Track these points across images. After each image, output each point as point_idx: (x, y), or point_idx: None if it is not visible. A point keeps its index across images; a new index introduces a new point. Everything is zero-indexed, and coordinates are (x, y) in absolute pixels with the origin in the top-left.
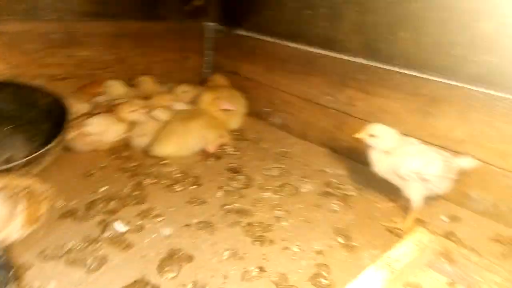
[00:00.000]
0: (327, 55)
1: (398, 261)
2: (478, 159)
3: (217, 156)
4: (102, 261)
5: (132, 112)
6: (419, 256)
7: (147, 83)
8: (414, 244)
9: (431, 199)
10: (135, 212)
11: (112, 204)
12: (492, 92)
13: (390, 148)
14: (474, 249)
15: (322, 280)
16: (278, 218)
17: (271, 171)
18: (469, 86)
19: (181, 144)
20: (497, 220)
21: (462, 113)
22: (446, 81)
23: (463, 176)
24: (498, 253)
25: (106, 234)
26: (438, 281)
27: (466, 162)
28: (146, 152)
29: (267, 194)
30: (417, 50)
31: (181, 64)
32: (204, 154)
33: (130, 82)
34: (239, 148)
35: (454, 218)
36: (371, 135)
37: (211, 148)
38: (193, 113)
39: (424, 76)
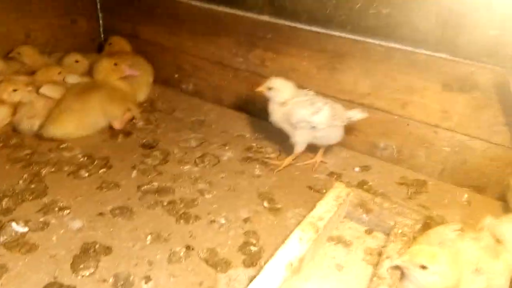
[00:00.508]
0: (233, 13)
1: (322, 219)
2: (381, 110)
3: (126, 132)
4: (1, 270)
5: (14, 91)
6: (339, 210)
7: (28, 54)
8: (334, 200)
9: (342, 153)
10: (36, 208)
11: (6, 203)
12: (390, 44)
13: (285, 100)
14: (384, 193)
15: (252, 247)
16: (201, 192)
17: (189, 142)
18: (369, 40)
19: (81, 122)
20: (402, 165)
21: (365, 66)
22: (348, 35)
23: (365, 127)
24: (404, 194)
25: (1, 238)
26: (358, 231)
27: (354, 114)
28: (39, 136)
29: (187, 168)
30: (320, 6)
31: (69, 29)
32: (111, 132)
33: (6, 55)
34: (151, 120)
35: (365, 168)
36: (270, 88)
37: (118, 124)
38: (90, 86)
39: (328, 31)
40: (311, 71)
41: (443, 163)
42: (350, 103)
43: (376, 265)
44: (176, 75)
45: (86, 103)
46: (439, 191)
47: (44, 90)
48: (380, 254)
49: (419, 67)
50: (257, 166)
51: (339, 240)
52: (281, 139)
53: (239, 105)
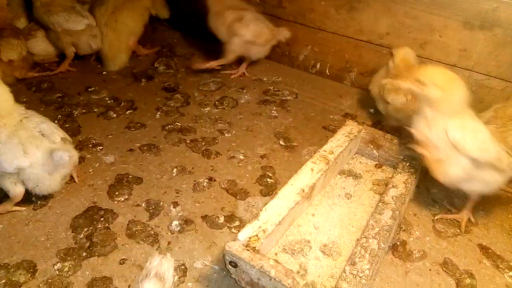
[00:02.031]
0: None
1: (333, 153)
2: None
3: (148, 77)
4: (47, 196)
5: None
6: (350, 146)
7: None
8: (346, 135)
9: (358, 95)
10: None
11: None
12: None
13: None
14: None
15: (268, 179)
16: (221, 131)
17: (208, 85)
18: None
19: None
20: None
21: (385, 5)
22: None
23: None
24: None
25: None
26: (368, 165)
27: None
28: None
29: (207, 109)
30: None
31: None
32: (134, 76)
33: None
34: (171, 65)
35: (379, 110)
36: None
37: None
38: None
39: None
40: (329, 11)
41: None
42: (368, 44)
43: (382, 193)
44: (193, 19)
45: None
46: None
47: None
48: (387, 184)
49: (441, 4)
50: (274, 108)
51: (349, 173)
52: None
53: None
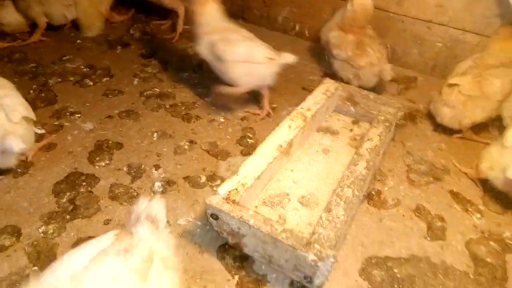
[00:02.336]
0: None
1: (310, 110)
2: (376, 7)
3: (124, 44)
4: (28, 164)
5: None
6: (327, 103)
7: None
8: (323, 93)
9: None
10: (49, 113)
11: None
12: None
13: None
14: (374, 90)
15: (248, 140)
16: (200, 95)
17: (186, 51)
18: None
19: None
20: (395, 63)
21: None
22: None
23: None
24: (395, 91)
25: None
26: (345, 122)
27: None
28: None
29: (185, 74)
30: None
31: None
32: (109, 44)
33: None
34: (147, 31)
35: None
36: None
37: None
38: None
39: None
40: None
41: (434, 59)
42: (345, 3)
43: (358, 147)
44: None
45: None
46: (428, 85)
47: None
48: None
49: None
50: None
51: (327, 130)
52: (292, 49)
53: (234, 12)
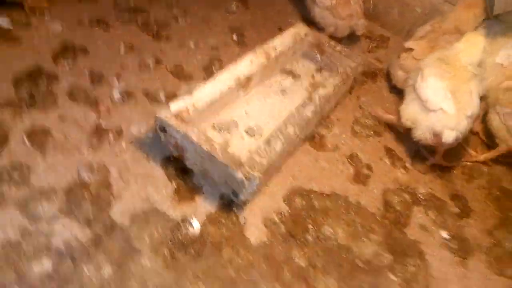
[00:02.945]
0: None
1: (275, 49)
2: None
3: None
4: None
5: None
6: (295, 47)
7: None
8: (292, 36)
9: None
10: (18, 11)
11: None
12: None
13: None
14: (346, 42)
15: (214, 69)
16: (175, 17)
17: None
18: None
19: None
20: (374, 21)
21: None
22: None
23: None
24: (365, 47)
25: None
26: (309, 68)
27: None
28: None
29: None
30: None
31: None
32: None
33: None
34: None
35: None
36: None
37: None
38: None
39: None
40: None
41: (411, 24)
42: None
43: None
44: None
45: None
46: (399, 47)
47: None
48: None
49: None
50: (234, 3)
51: (290, 73)
52: None
53: None
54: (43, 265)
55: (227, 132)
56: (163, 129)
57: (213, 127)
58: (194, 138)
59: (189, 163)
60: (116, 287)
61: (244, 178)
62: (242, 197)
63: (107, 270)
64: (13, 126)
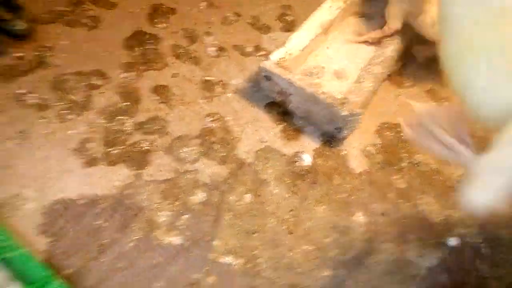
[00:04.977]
0: None
1: None
2: None
3: None
4: (96, 18)
5: None
6: None
7: None
8: None
9: None
10: None
11: None
12: None
13: None
14: None
15: (288, 17)
16: None
17: None
18: None
19: None
20: None
21: None
22: None
23: None
24: None
25: None
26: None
27: None
28: None
29: None
30: None
31: None
32: None
33: None
34: None
35: None
36: None
37: None
38: None
39: None
40: None
41: None
42: None
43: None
44: None
45: None
46: None
47: None
48: None
49: None
50: None
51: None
52: None
53: None
54: (198, 196)
55: (317, 77)
56: (268, 78)
57: (304, 73)
58: (299, 83)
59: (291, 106)
60: (257, 210)
61: (348, 114)
62: (345, 132)
63: (247, 197)
64: (140, 87)
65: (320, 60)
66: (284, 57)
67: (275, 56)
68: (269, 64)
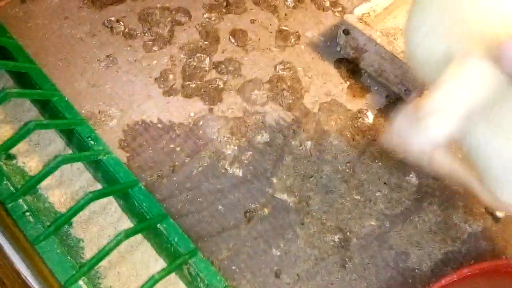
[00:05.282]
0: None
1: None
2: None
3: None
4: None
5: None
6: None
7: None
8: None
9: None
10: None
11: None
12: None
13: None
14: None
15: None
16: None
17: None
18: None
19: None
20: None
21: None
22: None
23: None
24: None
25: None
26: None
27: None
28: None
29: None
30: None
31: None
32: None
33: None
34: None
35: None
36: None
37: None
38: None
39: None
40: None
41: None
42: None
43: None
44: None
45: None
46: None
47: None
48: None
49: None
50: None
51: None
52: None
53: None
54: (263, 136)
55: (393, 38)
56: (347, 32)
57: (382, 32)
58: (379, 40)
59: (363, 64)
60: (316, 156)
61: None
62: (413, 95)
63: (308, 144)
64: (220, 28)
65: (398, 22)
66: (367, 13)
67: (358, 10)
68: (352, 18)
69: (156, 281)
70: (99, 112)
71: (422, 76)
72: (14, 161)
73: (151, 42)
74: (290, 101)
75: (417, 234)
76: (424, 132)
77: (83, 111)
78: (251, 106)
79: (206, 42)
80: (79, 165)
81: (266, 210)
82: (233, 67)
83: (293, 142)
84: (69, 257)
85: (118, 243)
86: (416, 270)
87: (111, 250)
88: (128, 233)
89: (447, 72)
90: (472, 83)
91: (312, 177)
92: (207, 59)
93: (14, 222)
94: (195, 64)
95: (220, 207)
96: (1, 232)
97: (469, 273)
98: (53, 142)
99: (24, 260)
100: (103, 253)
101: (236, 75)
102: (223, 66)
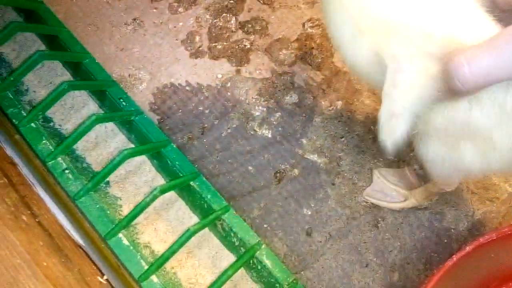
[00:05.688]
0: None
1: None
2: None
3: None
4: None
5: None
6: None
7: None
8: None
9: None
10: None
11: None
12: None
13: None
14: None
15: None
16: None
17: None
18: None
19: None
20: None
21: None
22: None
23: None
24: None
25: None
26: None
27: None
28: None
29: None
30: None
31: None
32: None
33: None
34: None
35: None
36: None
37: None
38: None
39: None
40: None
41: None
42: None
43: None
44: None
45: None
46: None
47: None
48: None
49: None
50: None
51: None
52: None
53: None
54: (292, 97)
55: None
56: None
57: None
58: None
59: None
60: (347, 116)
61: None
62: None
63: (339, 104)
64: None
65: None
66: None
67: None
68: None
69: (192, 234)
70: (129, 75)
71: (367, 81)
72: (51, 124)
73: (176, 4)
74: (319, 60)
75: (452, 194)
76: (385, 138)
77: (113, 75)
78: (279, 67)
79: (231, 1)
80: (112, 126)
81: (296, 171)
82: (260, 26)
83: (322, 102)
84: (108, 212)
85: (154, 198)
86: (452, 230)
87: (147, 204)
88: (163, 189)
89: (388, 81)
90: (414, 90)
91: (343, 137)
92: (233, 19)
93: (55, 179)
94: (221, 24)
95: (250, 168)
96: (44, 189)
97: (509, 232)
98: (86, 105)
99: (66, 215)
100: (140, 207)
101: (263, 35)
102: (250, 25)
